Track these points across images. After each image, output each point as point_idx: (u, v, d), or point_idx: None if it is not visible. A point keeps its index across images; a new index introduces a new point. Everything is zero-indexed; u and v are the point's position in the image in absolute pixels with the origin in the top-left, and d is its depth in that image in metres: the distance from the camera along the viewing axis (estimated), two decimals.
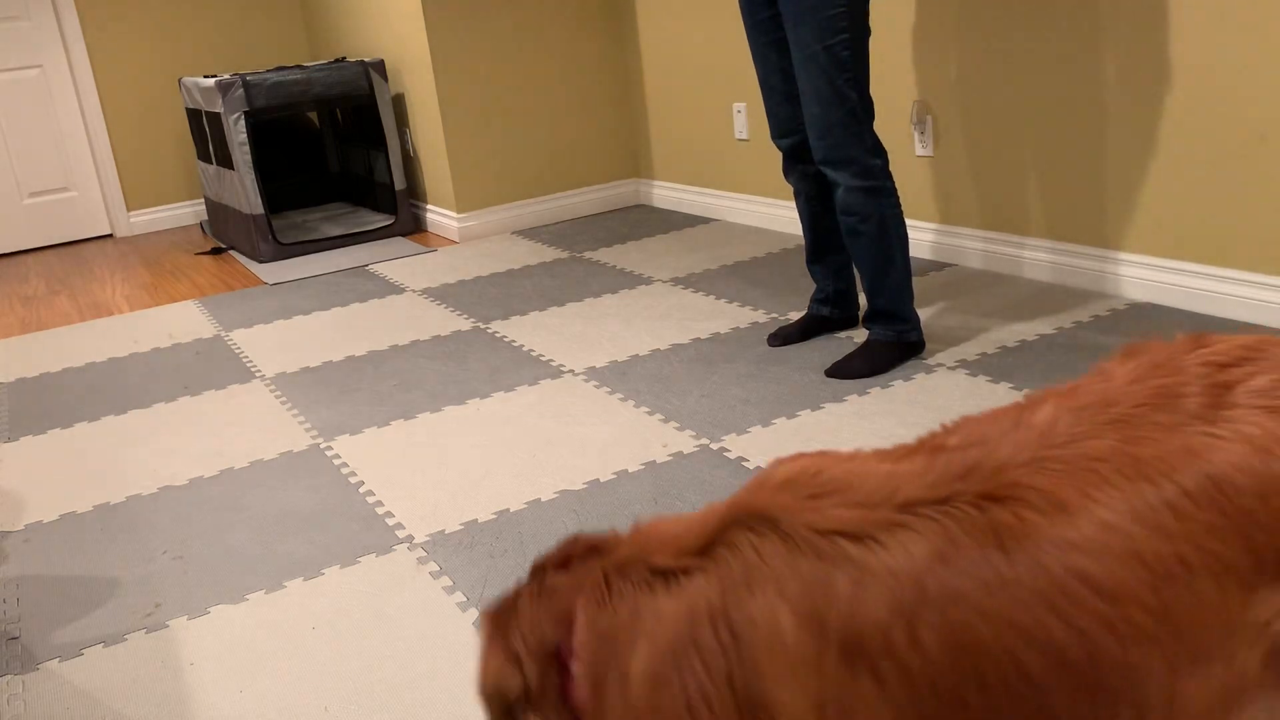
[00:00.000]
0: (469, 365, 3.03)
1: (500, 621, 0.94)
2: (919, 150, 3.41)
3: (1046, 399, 0.85)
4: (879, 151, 2.53)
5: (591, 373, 2.84)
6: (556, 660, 0.89)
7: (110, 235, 5.82)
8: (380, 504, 2.25)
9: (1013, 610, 0.75)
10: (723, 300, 3.33)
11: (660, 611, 0.82)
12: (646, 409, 2.56)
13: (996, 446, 0.81)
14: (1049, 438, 0.80)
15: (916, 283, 3.15)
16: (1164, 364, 0.83)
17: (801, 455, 0.89)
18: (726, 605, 0.80)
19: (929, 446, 0.85)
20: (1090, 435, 0.79)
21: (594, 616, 0.86)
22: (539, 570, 0.95)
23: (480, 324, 3.40)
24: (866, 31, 2.47)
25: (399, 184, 4.84)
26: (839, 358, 2.66)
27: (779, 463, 0.89)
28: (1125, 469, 0.76)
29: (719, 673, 0.80)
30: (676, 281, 3.60)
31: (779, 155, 3.94)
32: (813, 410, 2.45)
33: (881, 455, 0.87)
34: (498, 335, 3.26)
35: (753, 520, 0.83)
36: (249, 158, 4.54)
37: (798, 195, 2.81)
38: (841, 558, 0.78)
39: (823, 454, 0.89)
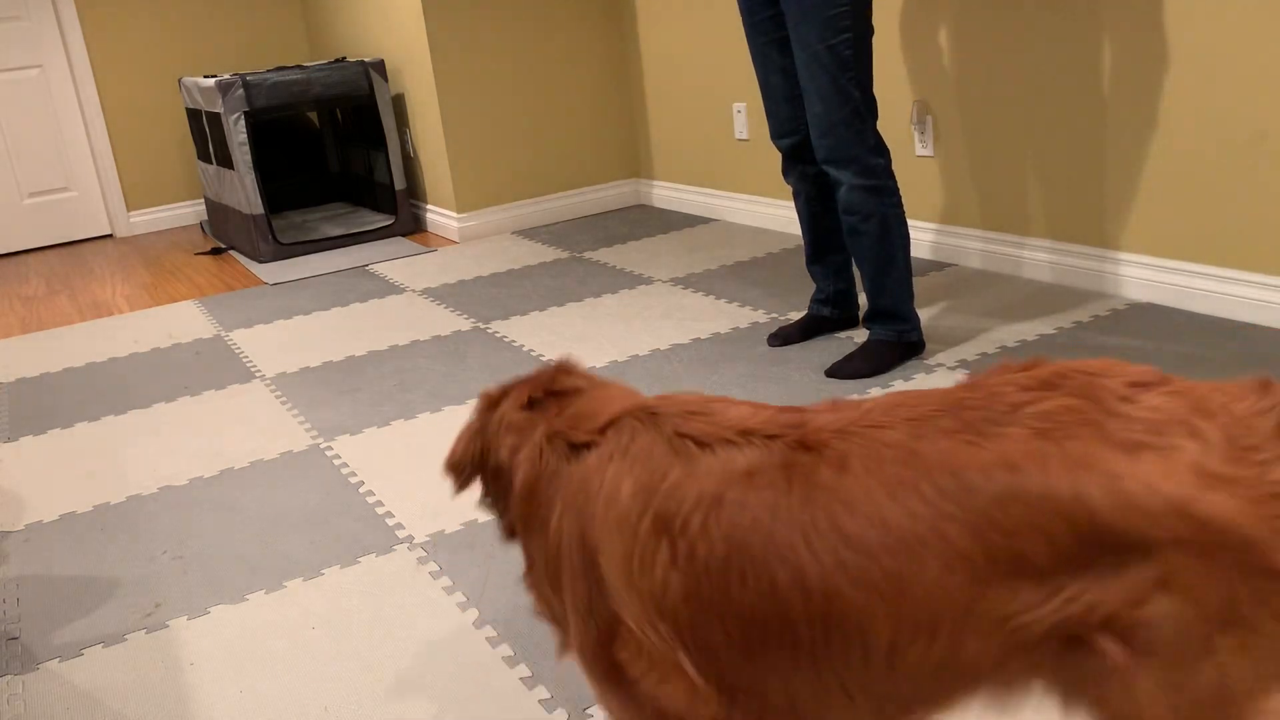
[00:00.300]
0: (469, 365, 3.03)
1: (479, 423, 1.22)
2: (919, 150, 3.41)
3: (889, 396, 1.00)
4: (882, 151, 2.53)
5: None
6: (509, 474, 1.17)
7: (110, 235, 5.82)
8: (380, 504, 2.25)
9: (778, 530, 0.92)
10: (723, 300, 3.33)
11: (570, 476, 1.07)
12: None
13: (828, 415, 0.98)
14: (863, 419, 0.96)
15: (917, 283, 3.15)
16: (981, 383, 0.94)
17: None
18: (596, 472, 1.04)
19: (795, 408, 1.03)
20: (890, 425, 0.93)
21: (527, 474, 1.12)
22: (521, 390, 1.20)
23: (480, 324, 3.40)
24: (869, 30, 2.47)
25: (399, 184, 4.84)
26: (839, 358, 2.66)
27: (703, 395, 1.10)
28: (900, 455, 0.90)
29: (578, 523, 1.05)
30: (676, 281, 3.60)
31: (779, 155, 3.94)
32: None
33: (760, 406, 1.05)
34: (498, 335, 3.26)
35: (641, 413, 1.06)
36: (249, 158, 4.54)
37: (797, 196, 2.80)
38: (684, 454, 0.99)
39: (726, 398, 1.08)
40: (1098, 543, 0.83)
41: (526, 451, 1.13)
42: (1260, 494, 0.81)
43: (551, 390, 1.17)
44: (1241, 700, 0.83)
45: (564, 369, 1.22)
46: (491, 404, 1.22)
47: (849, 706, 0.95)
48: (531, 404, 1.17)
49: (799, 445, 0.95)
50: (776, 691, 0.96)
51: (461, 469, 1.21)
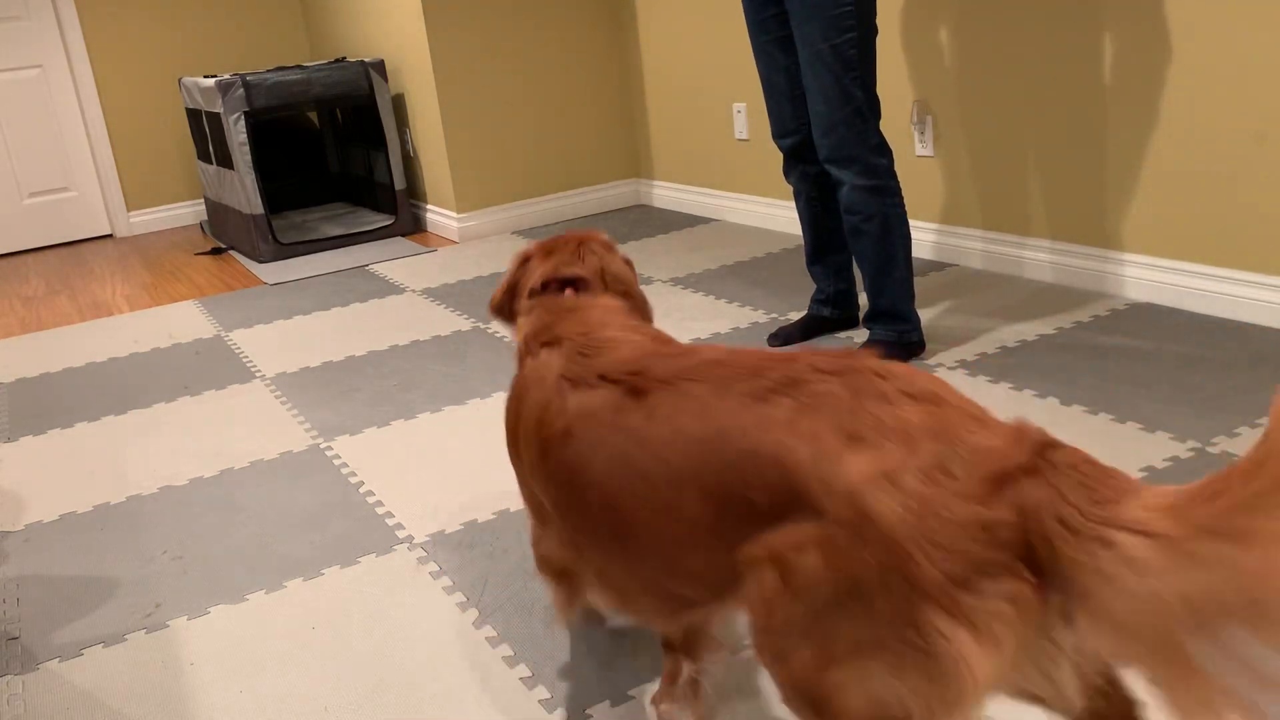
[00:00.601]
0: (469, 365, 3.03)
1: (511, 278, 1.57)
2: (919, 150, 3.41)
3: (723, 351, 1.20)
4: (884, 150, 2.53)
5: None
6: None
7: (110, 235, 5.82)
8: (380, 504, 2.25)
9: (598, 462, 1.19)
10: (723, 300, 3.33)
11: (518, 377, 1.40)
12: None
13: (665, 364, 1.20)
14: (689, 371, 1.17)
15: (917, 283, 3.14)
16: (794, 358, 1.11)
17: (633, 329, 1.35)
18: (530, 387, 1.35)
19: (654, 351, 1.26)
20: (703, 380, 1.14)
21: (517, 354, 1.45)
22: (540, 263, 1.53)
23: (480, 324, 3.40)
24: (873, 30, 2.47)
25: (399, 184, 4.84)
26: None
27: (625, 328, 1.36)
28: (695, 408, 1.12)
29: (514, 424, 1.39)
30: (676, 281, 3.60)
31: (779, 155, 3.94)
32: None
33: (653, 336, 1.32)
34: (498, 335, 3.26)
35: (558, 342, 1.34)
36: (249, 158, 4.54)
37: (798, 196, 2.80)
38: (561, 392, 1.28)
39: (639, 332, 1.34)
40: (794, 499, 1.01)
41: (520, 341, 1.46)
42: (928, 510, 0.93)
43: (558, 278, 1.48)
44: (841, 657, 0.99)
45: (584, 247, 1.52)
46: (522, 261, 1.57)
47: (653, 595, 1.23)
48: (534, 292, 1.48)
49: (630, 391, 1.19)
50: (611, 574, 1.27)
51: (501, 312, 1.59)
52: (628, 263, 1.59)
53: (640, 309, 1.53)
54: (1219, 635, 0.80)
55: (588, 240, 1.53)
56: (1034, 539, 0.90)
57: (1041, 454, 0.93)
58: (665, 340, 1.32)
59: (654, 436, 1.14)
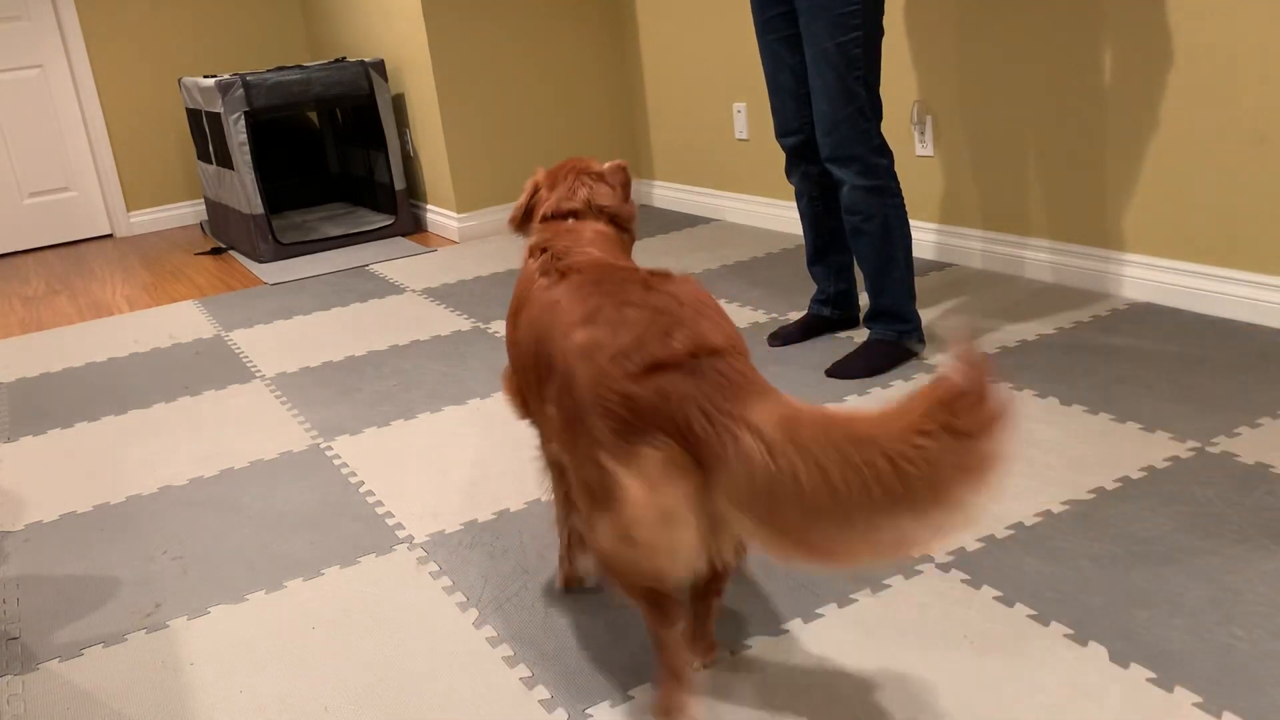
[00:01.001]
0: (469, 365, 3.03)
1: (525, 201, 1.86)
2: (919, 150, 3.41)
3: (605, 267, 1.53)
4: (885, 151, 2.53)
5: None
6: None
7: (110, 235, 5.83)
8: (380, 504, 2.25)
9: (539, 314, 1.50)
10: (723, 300, 3.33)
11: (526, 268, 1.68)
12: None
13: (583, 264, 1.53)
14: (582, 273, 1.49)
15: (917, 283, 3.14)
16: (626, 279, 1.43)
17: (600, 248, 1.67)
18: (521, 281, 1.66)
19: (616, 258, 1.63)
20: (578, 277, 1.48)
21: (526, 261, 1.71)
22: (547, 195, 1.82)
23: (480, 324, 3.40)
24: (880, 31, 2.47)
25: (399, 184, 4.84)
26: (839, 358, 2.66)
27: (595, 245, 1.68)
28: (552, 296, 1.48)
29: (514, 312, 1.66)
30: None
31: (779, 155, 3.94)
32: None
33: (610, 257, 1.62)
34: (498, 335, 3.26)
35: (546, 250, 1.64)
36: (249, 158, 4.54)
37: (799, 196, 2.80)
38: (544, 286, 1.54)
39: (603, 250, 1.65)
40: (552, 361, 1.40)
41: (528, 248, 1.74)
42: (602, 379, 1.27)
43: (558, 212, 1.76)
44: (583, 496, 1.34)
45: (579, 180, 1.79)
46: (534, 190, 1.85)
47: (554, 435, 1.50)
48: (545, 218, 1.77)
49: (555, 280, 1.52)
50: (535, 413, 1.60)
51: (520, 229, 1.87)
52: (617, 179, 1.86)
53: (627, 230, 1.83)
54: (790, 515, 1.11)
55: (582, 173, 1.82)
56: (678, 418, 1.19)
57: (700, 357, 1.24)
58: (614, 258, 1.63)
59: (536, 305, 1.51)
